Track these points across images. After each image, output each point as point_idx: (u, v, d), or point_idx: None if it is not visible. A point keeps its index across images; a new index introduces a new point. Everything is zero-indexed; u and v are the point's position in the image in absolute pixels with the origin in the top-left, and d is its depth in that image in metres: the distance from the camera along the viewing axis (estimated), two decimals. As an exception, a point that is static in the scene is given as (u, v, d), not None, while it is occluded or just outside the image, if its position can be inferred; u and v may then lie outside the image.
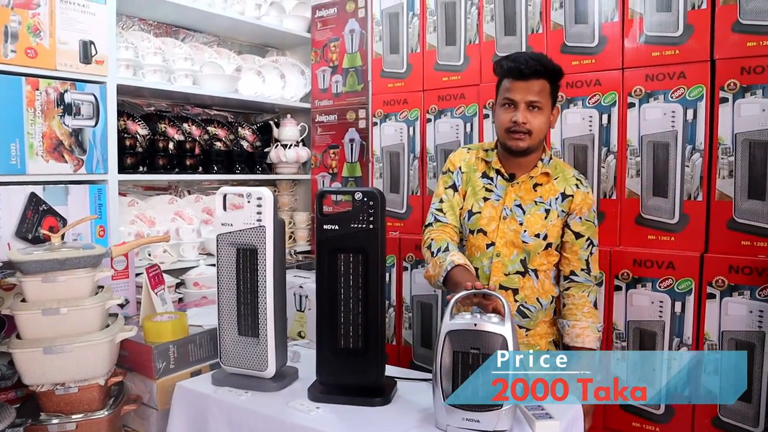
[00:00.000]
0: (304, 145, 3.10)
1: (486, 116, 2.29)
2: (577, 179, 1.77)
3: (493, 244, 1.75)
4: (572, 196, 1.74)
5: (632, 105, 1.97)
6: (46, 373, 1.51)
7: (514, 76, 1.67)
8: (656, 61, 1.94)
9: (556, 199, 1.74)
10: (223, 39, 3.06)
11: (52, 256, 1.53)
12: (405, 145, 2.53)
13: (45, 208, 1.99)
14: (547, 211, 1.73)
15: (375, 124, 2.63)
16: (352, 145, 2.87)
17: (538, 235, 1.72)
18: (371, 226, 1.41)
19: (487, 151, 1.83)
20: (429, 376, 1.57)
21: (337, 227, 1.43)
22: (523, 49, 2.19)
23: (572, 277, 1.77)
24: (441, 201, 1.84)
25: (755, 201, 1.79)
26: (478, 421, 1.23)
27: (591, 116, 2.05)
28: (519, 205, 1.74)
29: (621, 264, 1.96)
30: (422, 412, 1.37)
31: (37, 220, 1.98)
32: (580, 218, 1.74)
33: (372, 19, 2.65)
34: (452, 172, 1.85)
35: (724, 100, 1.83)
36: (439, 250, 1.68)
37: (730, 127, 1.82)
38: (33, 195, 1.97)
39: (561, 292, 1.80)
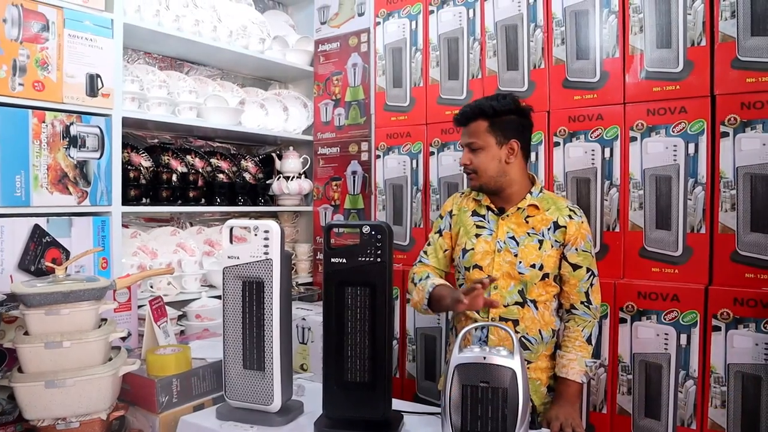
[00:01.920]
0: (306, 177, 3.11)
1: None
2: (571, 210, 1.80)
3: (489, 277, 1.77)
4: (565, 226, 1.77)
5: (634, 139, 2.00)
6: (48, 407, 1.49)
7: (456, 125, 1.87)
8: (657, 96, 1.96)
9: (549, 229, 1.77)
10: (226, 72, 3.10)
11: (56, 288, 1.52)
12: (408, 178, 2.55)
13: (48, 239, 1.99)
14: (541, 242, 1.76)
15: (378, 156, 2.65)
16: (354, 177, 2.88)
17: (533, 266, 1.75)
18: (379, 260, 1.41)
19: (478, 191, 1.90)
20: (436, 409, 1.56)
21: (344, 260, 1.44)
22: (526, 85, 2.23)
23: (572, 310, 1.80)
24: (429, 244, 1.96)
25: (758, 234, 1.80)
26: (489, 456, 1.22)
27: (593, 150, 2.07)
28: (512, 237, 1.78)
29: (625, 296, 1.96)
30: (430, 447, 1.36)
31: (41, 252, 1.97)
32: (576, 249, 1.77)
33: (375, 53, 2.69)
34: (442, 217, 1.95)
35: (725, 134, 1.85)
36: (420, 279, 1.84)
37: (732, 160, 1.84)
38: (37, 227, 1.97)
39: (564, 323, 1.83)
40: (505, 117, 1.77)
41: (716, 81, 1.87)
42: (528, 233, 1.77)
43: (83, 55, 2.08)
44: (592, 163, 2.08)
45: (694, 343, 1.85)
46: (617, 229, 2.03)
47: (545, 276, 1.76)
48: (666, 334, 1.90)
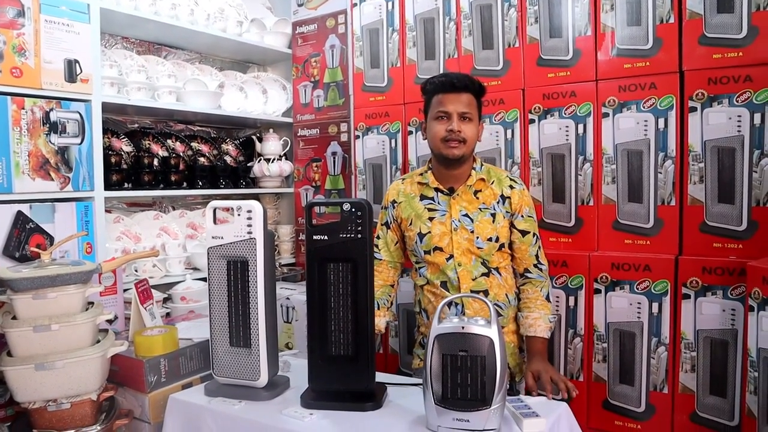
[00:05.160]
0: (286, 159, 3.13)
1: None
2: (511, 180, 1.89)
3: (452, 256, 1.83)
4: (510, 197, 1.85)
5: (606, 115, 2.05)
6: (38, 389, 1.52)
7: (446, 89, 1.80)
8: (628, 73, 2.01)
9: (498, 202, 1.85)
10: (205, 56, 3.10)
11: (42, 273, 1.54)
12: (387, 157, 2.58)
13: (32, 226, 2.00)
14: (493, 215, 1.83)
15: (357, 137, 2.68)
16: (334, 158, 2.91)
17: (490, 239, 1.82)
18: (359, 236, 1.45)
19: (422, 174, 1.92)
20: (418, 380, 1.61)
21: (326, 237, 1.47)
22: (501, 63, 2.26)
23: (526, 274, 1.89)
24: (378, 237, 1.98)
25: (725, 205, 1.87)
26: (468, 420, 1.27)
27: (567, 126, 2.12)
28: (466, 215, 1.83)
29: (600, 268, 2.02)
30: (413, 415, 1.41)
31: (25, 238, 1.98)
32: (522, 216, 1.85)
33: (352, 34, 2.70)
34: (386, 208, 1.97)
35: (693, 109, 1.91)
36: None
37: (700, 134, 1.90)
38: (20, 213, 1.97)
39: (518, 287, 1.92)
40: (482, 99, 1.86)
41: (684, 57, 1.92)
42: (480, 208, 1.83)
43: (60, 40, 2.08)
44: (567, 139, 2.13)
45: (665, 310, 1.92)
46: (591, 203, 2.09)
47: (501, 246, 1.85)
48: (639, 303, 1.96)
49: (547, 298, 1.88)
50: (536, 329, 1.82)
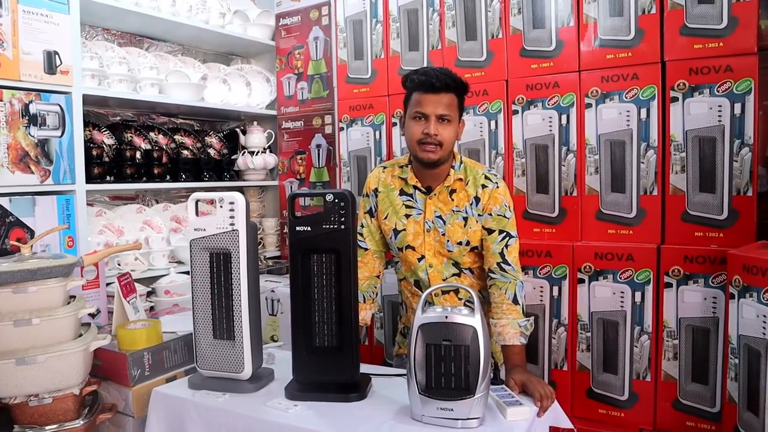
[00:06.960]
0: (271, 151, 3.12)
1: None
2: (486, 177, 1.78)
3: (423, 257, 1.81)
4: (480, 197, 1.77)
5: (589, 105, 2.06)
6: (19, 384, 1.50)
7: (425, 89, 1.71)
8: (610, 64, 2.02)
9: (471, 204, 1.77)
10: (187, 48, 3.07)
11: (22, 266, 1.52)
12: (372, 149, 2.58)
13: (12, 219, 1.98)
14: (465, 219, 1.77)
15: (341, 129, 2.67)
16: (318, 150, 2.90)
17: (460, 243, 1.77)
18: (343, 227, 1.45)
19: (402, 167, 1.86)
20: (402, 371, 1.62)
21: (309, 228, 1.47)
22: (485, 55, 2.26)
23: (490, 274, 1.77)
24: (362, 226, 1.91)
25: (706, 194, 1.89)
26: (452, 409, 1.28)
27: (551, 117, 2.12)
28: (439, 216, 1.79)
29: (583, 258, 2.03)
30: (397, 405, 1.42)
31: (4, 231, 1.96)
32: (491, 214, 1.76)
33: (336, 26, 2.69)
34: (368, 196, 1.91)
35: (675, 99, 1.92)
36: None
37: (681, 124, 1.91)
38: (-1, 207, 1.96)
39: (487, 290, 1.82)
40: (464, 95, 1.78)
41: (666, 48, 1.94)
42: (453, 210, 1.77)
43: (39, 31, 2.05)
44: (550, 130, 2.13)
45: (648, 299, 1.94)
46: (575, 194, 2.10)
47: (473, 249, 1.80)
48: (622, 292, 1.98)
49: (515, 301, 1.72)
50: (505, 337, 1.68)
